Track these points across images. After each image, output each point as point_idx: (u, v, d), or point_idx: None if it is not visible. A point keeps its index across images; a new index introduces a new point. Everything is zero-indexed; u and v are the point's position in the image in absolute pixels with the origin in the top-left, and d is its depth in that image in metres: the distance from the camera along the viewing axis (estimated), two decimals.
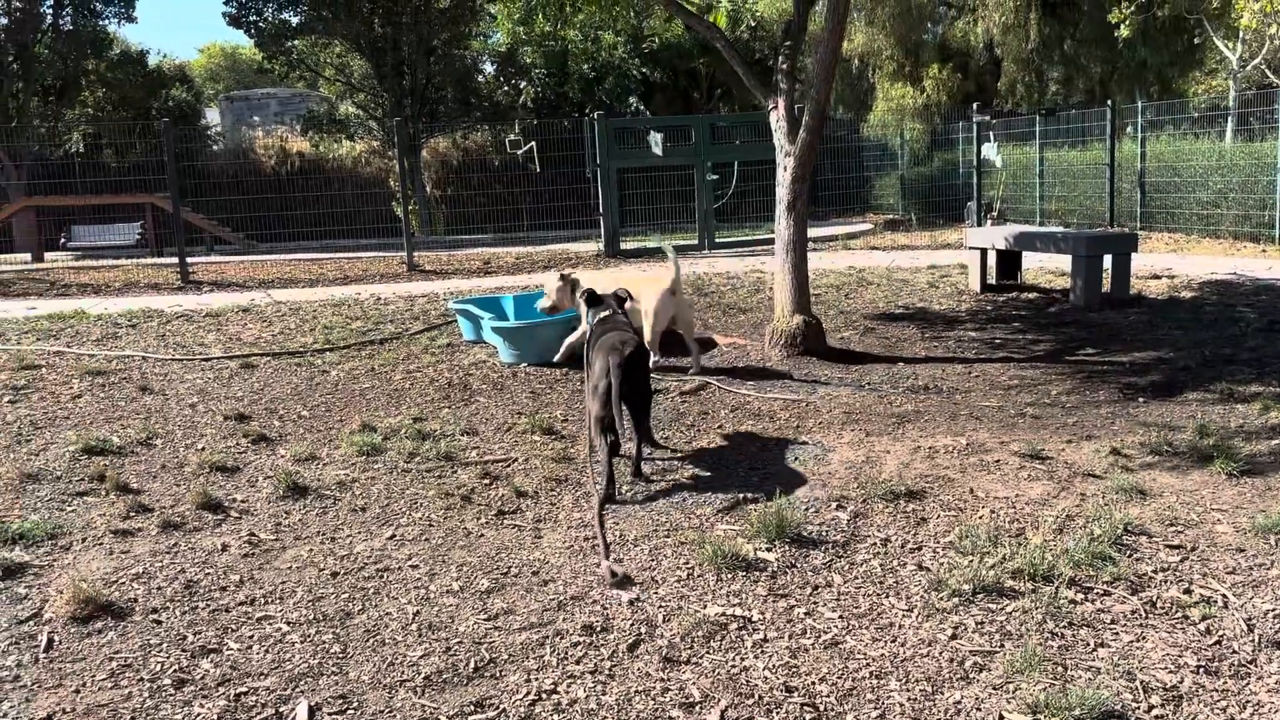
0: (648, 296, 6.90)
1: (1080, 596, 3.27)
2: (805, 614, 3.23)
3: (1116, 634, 3.04)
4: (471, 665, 2.95)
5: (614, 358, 4.48)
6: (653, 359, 6.82)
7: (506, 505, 4.36)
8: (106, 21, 26.57)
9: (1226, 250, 14.10)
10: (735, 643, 3.05)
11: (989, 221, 16.09)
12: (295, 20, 24.82)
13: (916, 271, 12.49)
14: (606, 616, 3.23)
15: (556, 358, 7.14)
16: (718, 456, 5.03)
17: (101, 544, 4.00)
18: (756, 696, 2.75)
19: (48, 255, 20.99)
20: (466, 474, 4.81)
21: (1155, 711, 2.63)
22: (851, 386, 6.50)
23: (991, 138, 17.23)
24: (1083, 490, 4.31)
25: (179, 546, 3.96)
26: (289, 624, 3.25)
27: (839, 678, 2.84)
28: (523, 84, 26.59)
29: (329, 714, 2.72)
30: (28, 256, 20.79)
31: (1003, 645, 2.98)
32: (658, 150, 16.60)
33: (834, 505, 4.21)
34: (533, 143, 17.59)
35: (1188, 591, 3.31)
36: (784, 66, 7.70)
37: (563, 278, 7.18)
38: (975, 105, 17.92)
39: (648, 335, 6.81)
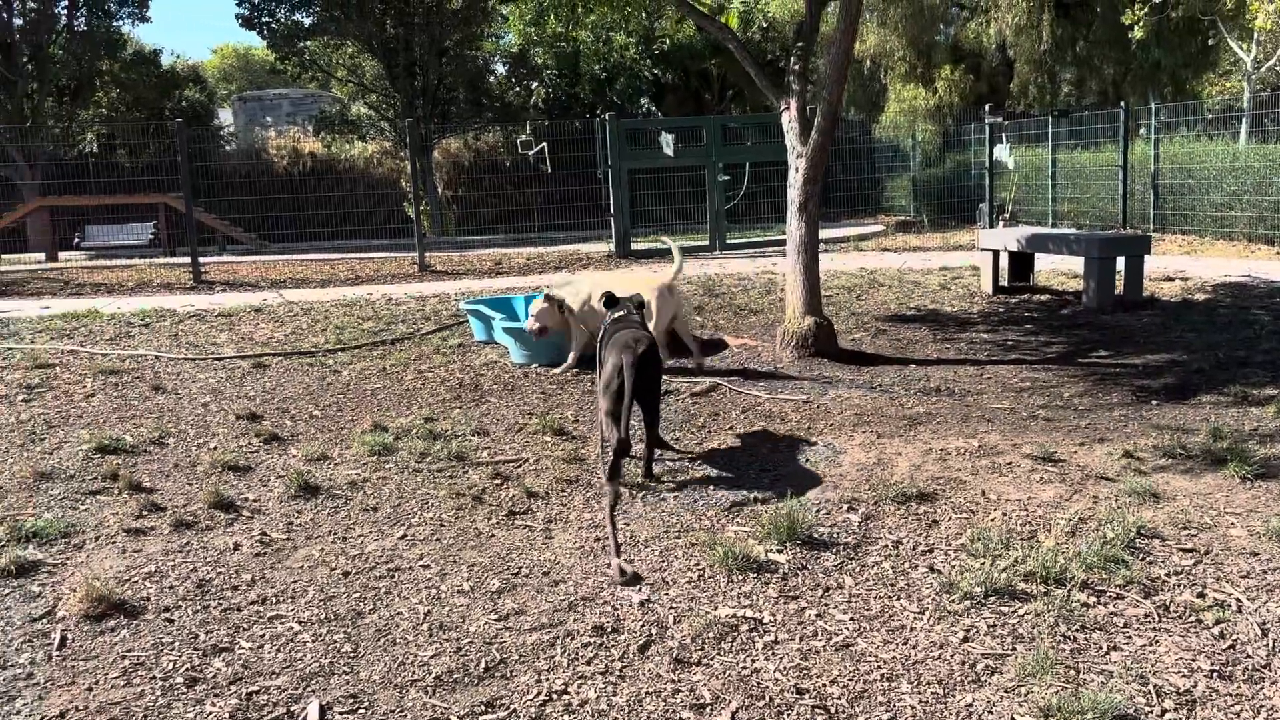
0: (646, 294, 6.89)
1: (1093, 599, 3.26)
2: (816, 616, 3.22)
3: (1129, 637, 3.03)
4: (482, 665, 2.95)
5: (627, 355, 4.47)
6: None
7: (517, 506, 4.37)
8: (120, 22, 26.76)
9: (1240, 252, 14.02)
10: (746, 644, 3.04)
11: (1001, 223, 16.02)
12: (307, 21, 24.94)
13: (928, 273, 12.46)
14: (617, 617, 3.24)
15: (560, 370, 7.12)
16: (729, 457, 5.03)
17: (114, 543, 4.02)
18: (768, 698, 2.74)
19: (62, 255, 21.13)
20: (478, 474, 4.82)
21: (1168, 716, 2.62)
22: (863, 388, 6.48)
23: (1004, 139, 17.17)
24: (1095, 493, 4.28)
25: (191, 545, 3.98)
26: (300, 623, 3.26)
27: (850, 680, 2.83)
28: (534, 85, 26.63)
29: (340, 713, 2.73)
30: (42, 256, 20.94)
31: (1015, 648, 2.97)
32: (669, 151, 16.60)
33: (845, 507, 4.20)
34: (544, 143, 17.61)
35: (1201, 595, 3.29)
36: (796, 67, 7.68)
37: (548, 298, 6.92)
38: (988, 106, 17.88)
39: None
